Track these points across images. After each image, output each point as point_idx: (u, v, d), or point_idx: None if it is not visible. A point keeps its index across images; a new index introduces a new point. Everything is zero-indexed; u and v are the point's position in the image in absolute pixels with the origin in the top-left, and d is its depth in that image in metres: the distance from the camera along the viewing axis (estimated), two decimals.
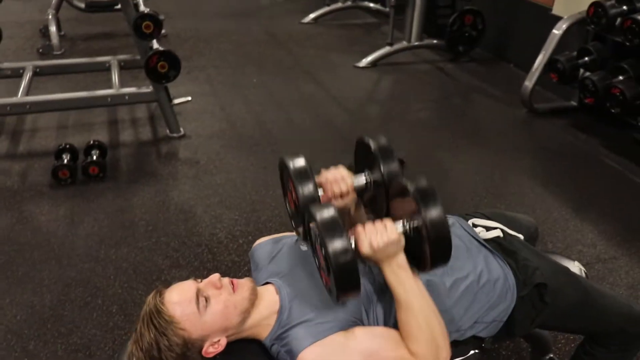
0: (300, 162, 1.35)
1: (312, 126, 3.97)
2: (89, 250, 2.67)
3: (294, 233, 1.59)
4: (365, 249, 1.23)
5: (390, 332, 1.31)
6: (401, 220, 1.28)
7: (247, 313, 1.33)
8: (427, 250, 1.22)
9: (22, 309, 2.32)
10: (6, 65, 4.12)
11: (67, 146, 3.32)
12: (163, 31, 5.57)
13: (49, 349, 2.13)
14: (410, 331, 1.27)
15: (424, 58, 5.39)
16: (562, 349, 2.11)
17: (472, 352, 1.57)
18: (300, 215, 1.33)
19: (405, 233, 1.27)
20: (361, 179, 1.43)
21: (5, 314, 2.30)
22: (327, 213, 1.20)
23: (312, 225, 1.25)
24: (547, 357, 1.91)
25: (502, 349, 2.13)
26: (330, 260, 1.15)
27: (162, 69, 3.44)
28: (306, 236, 1.34)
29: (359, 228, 1.26)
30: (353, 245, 1.22)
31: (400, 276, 1.26)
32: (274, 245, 1.56)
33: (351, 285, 1.19)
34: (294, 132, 3.85)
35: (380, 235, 1.23)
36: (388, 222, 1.26)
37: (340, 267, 1.16)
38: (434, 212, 1.20)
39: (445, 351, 1.27)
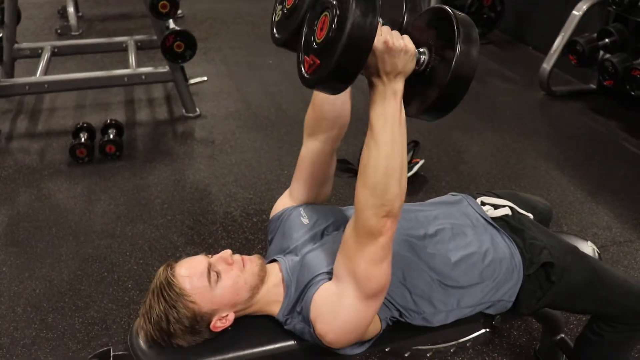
0: None
1: None
2: (105, 227, 2.71)
3: (285, 203, 1.59)
4: (377, 42, 1.06)
5: (347, 243, 1.23)
6: (419, 49, 1.14)
7: (256, 289, 1.34)
8: (432, 93, 1.12)
9: (41, 283, 2.37)
10: (25, 45, 4.17)
11: (85, 125, 3.36)
12: (180, 12, 5.61)
13: (66, 322, 2.18)
14: (364, 171, 1.14)
15: None
16: (573, 330, 2.11)
17: (482, 330, 1.57)
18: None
19: (418, 62, 1.14)
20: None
21: (25, 287, 2.35)
22: None
23: None
24: (558, 338, 1.91)
25: (513, 329, 2.13)
26: (347, 25, 0.97)
27: (178, 49, 3.45)
28: (291, 21, 1.18)
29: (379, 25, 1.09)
30: None
31: (389, 104, 1.12)
32: (280, 221, 1.57)
33: (353, 64, 1.02)
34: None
35: (397, 39, 1.09)
36: (406, 36, 1.12)
37: (357, 36, 0.98)
38: (473, 48, 1.08)
39: (388, 208, 1.13)
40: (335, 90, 1.13)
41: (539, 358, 2.02)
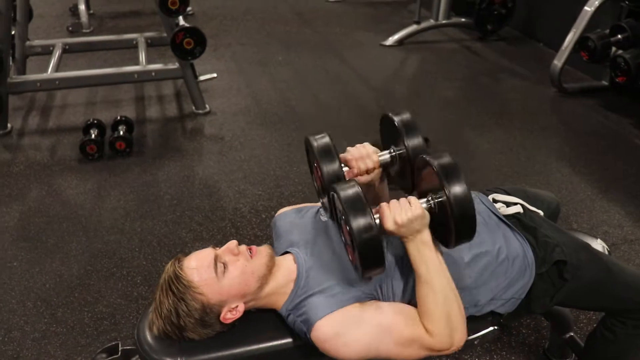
0: (323, 140, 1.36)
1: (337, 104, 3.96)
2: (115, 223, 2.72)
3: (315, 204, 1.60)
4: (389, 224, 1.23)
5: (407, 308, 1.32)
6: (427, 196, 1.28)
7: (264, 279, 1.34)
8: (452, 227, 1.22)
9: (51, 278, 2.39)
10: (37, 42, 4.20)
11: (95, 122, 3.38)
12: (189, 9, 5.62)
13: (76, 317, 2.19)
14: (428, 308, 1.27)
15: (452, 37, 5.32)
16: (583, 329, 2.09)
17: (491, 328, 1.56)
18: (325, 192, 1.35)
19: (430, 208, 1.27)
20: (386, 156, 1.44)
21: (35, 282, 2.36)
22: (350, 190, 1.21)
23: (336, 202, 1.26)
24: (568, 336, 1.89)
25: (522, 327, 2.12)
26: (354, 237, 1.17)
27: (188, 46, 3.46)
28: (332, 214, 1.36)
29: (384, 204, 1.26)
30: (377, 222, 1.23)
31: (424, 253, 1.26)
32: (295, 216, 1.56)
33: (375, 262, 1.21)
34: (319, 110, 3.85)
35: (405, 211, 1.23)
36: (412, 198, 1.26)
37: (364, 244, 1.17)
38: (457, 189, 1.20)
39: (461, 333, 1.28)
40: (378, 273, 1.27)
41: (548, 356, 2.00)
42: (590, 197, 2.91)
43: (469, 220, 1.22)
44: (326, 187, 1.33)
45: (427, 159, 1.27)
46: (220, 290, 1.29)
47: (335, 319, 1.27)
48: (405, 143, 1.37)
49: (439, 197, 1.24)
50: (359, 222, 1.16)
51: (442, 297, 1.26)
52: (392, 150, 1.43)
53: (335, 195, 1.24)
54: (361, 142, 1.46)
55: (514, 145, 3.43)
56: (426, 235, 1.27)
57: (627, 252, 2.52)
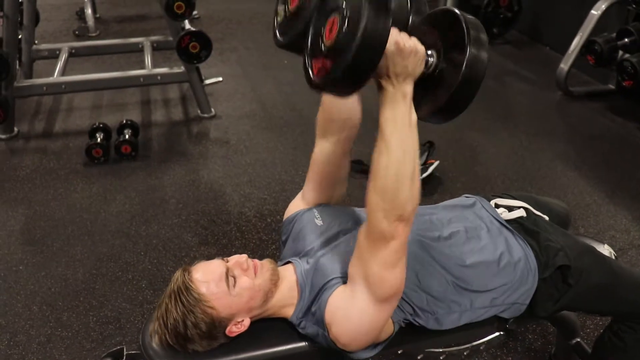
0: None
1: None
2: (120, 227, 2.73)
3: (307, 207, 1.58)
4: (389, 43, 1.03)
5: (361, 245, 1.22)
6: (427, 51, 1.13)
7: (270, 293, 1.34)
8: (442, 95, 1.11)
9: (56, 282, 2.39)
10: (43, 46, 4.22)
11: (101, 125, 3.39)
12: (195, 13, 5.64)
13: (81, 321, 2.19)
14: (375, 175, 1.13)
15: None
16: (590, 334, 2.08)
17: (497, 333, 1.56)
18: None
19: (426, 64, 1.13)
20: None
21: (40, 286, 2.37)
22: None
23: None
24: (574, 342, 1.88)
25: (529, 333, 2.11)
26: (360, 27, 0.96)
27: (193, 50, 3.47)
28: (294, 26, 1.17)
29: None
30: None
31: (399, 107, 1.10)
32: (293, 223, 1.56)
33: (364, 69, 1.00)
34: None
35: (407, 40, 1.09)
36: (414, 38, 1.11)
37: (370, 37, 0.96)
38: (482, 52, 1.07)
39: (399, 212, 1.12)
40: (345, 94, 1.14)
41: None
42: (596, 201, 2.90)
43: (472, 89, 1.10)
44: None
45: (451, 9, 1.14)
46: (230, 305, 1.28)
47: (334, 298, 1.27)
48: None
49: (453, 54, 1.11)
50: (377, 13, 0.96)
51: (395, 169, 1.10)
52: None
53: None
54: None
55: (520, 149, 3.42)
56: (409, 87, 1.11)
57: (634, 257, 2.50)
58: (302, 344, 1.36)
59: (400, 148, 1.11)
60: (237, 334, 1.32)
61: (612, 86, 4.07)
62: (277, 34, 1.23)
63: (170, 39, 3.74)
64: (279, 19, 1.25)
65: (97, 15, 5.80)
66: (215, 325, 1.29)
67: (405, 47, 1.07)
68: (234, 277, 1.30)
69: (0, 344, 2.09)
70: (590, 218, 2.77)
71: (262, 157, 3.33)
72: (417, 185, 1.13)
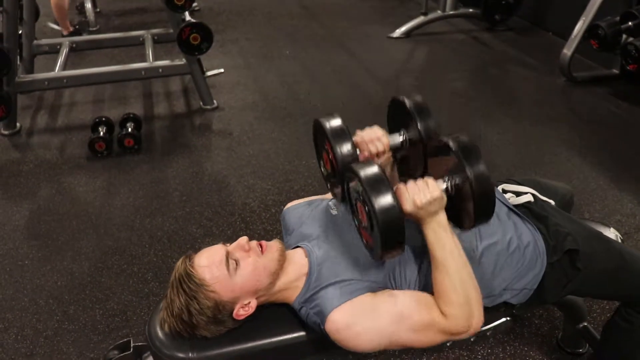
0: (336, 121, 1.33)
1: (345, 97, 3.94)
2: (125, 220, 2.73)
3: (324, 196, 1.59)
4: (408, 206, 1.22)
5: (422, 295, 1.31)
6: (442, 179, 1.27)
7: (276, 275, 1.34)
8: (470, 207, 1.21)
9: (62, 276, 2.39)
10: (44, 41, 4.21)
11: (103, 119, 3.39)
12: (195, 5, 5.62)
13: (87, 314, 2.20)
14: (444, 292, 1.26)
15: (459, 27, 5.28)
16: (596, 319, 2.07)
17: (503, 319, 1.55)
18: (338, 175, 1.31)
19: (446, 191, 1.26)
20: (397, 138, 1.41)
21: (47, 280, 2.37)
22: (371, 170, 1.19)
23: (352, 184, 1.24)
24: (581, 326, 1.88)
25: (535, 318, 2.10)
26: (376, 216, 1.14)
27: (194, 41, 3.45)
28: (344, 197, 1.33)
29: (401, 186, 1.25)
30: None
31: (440, 235, 1.25)
32: (304, 209, 1.56)
33: (396, 242, 1.19)
34: (327, 103, 3.83)
35: (424, 193, 1.22)
36: (430, 179, 1.25)
37: (387, 223, 1.15)
38: (478, 168, 1.18)
39: (477, 317, 1.27)
40: (397, 255, 1.25)
41: (561, 347, 1.99)
42: (602, 186, 2.88)
43: (489, 199, 1.21)
44: (339, 170, 1.30)
45: (445, 139, 1.25)
46: (232, 288, 1.28)
47: (348, 309, 1.26)
48: (419, 125, 1.33)
49: (458, 178, 1.23)
50: (381, 201, 1.14)
51: (459, 280, 1.25)
52: (401, 133, 1.40)
53: (353, 175, 1.22)
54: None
55: (524, 136, 3.41)
56: (443, 217, 1.26)
57: None
58: (304, 332, 1.37)
59: (455, 263, 1.26)
60: (245, 316, 1.32)
61: (616, 71, 4.03)
62: (329, 186, 1.45)
63: (171, 31, 3.72)
64: (324, 170, 1.46)
65: (97, 9, 5.80)
66: (220, 310, 1.29)
67: (423, 203, 1.22)
68: (236, 260, 1.30)
69: (8, 338, 2.10)
70: (595, 203, 2.76)
71: (265, 148, 3.32)
72: (476, 282, 1.29)
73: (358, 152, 1.36)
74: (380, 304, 1.27)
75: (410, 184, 1.25)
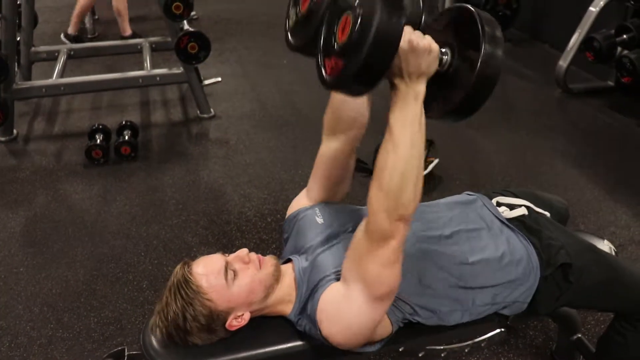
0: None
1: None
2: (120, 228, 2.73)
3: (309, 204, 1.58)
4: (402, 41, 1.03)
5: (350, 249, 1.24)
6: (441, 49, 1.11)
7: (271, 289, 1.35)
8: (457, 95, 1.10)
9: (57, 283, 2.39)
10: (42, 48, 4.22)
11: (100, 127, 3.39)
12: (194, 13, 5.64)
13: (82, 322, 2.19)
14: (379, 170, 1.13)
15: None
16: (591, 330, 2.08)
17: (498, 330, 1.56)
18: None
19: (440, 62, 1.11)
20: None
21: (41, 287, 2.37)
22: None
23: None
24: (575, 338, 1.88)
25: (529, 329, 2.11)
26: (373, 25, 0.95)
27: (192, 50, 3.47)
28: (307, 30, 1.16)
29: None
30: None
31: (410, 107, 1.10)
32: (295, 221, 1.56)
33: (378, 66, 1.00)
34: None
35: (421, 38, 1.07)
36: (428, 37, 1.09)
37: (383, 33, 0.95)
38: (498, 49, 1.05)
39: (401, 212, 1.12)
40: (358, 93, 1.13)
41: (555, 358, 1.99)
42: (597, 197, 2.90)
43: (488, 88, 1.09)
44: None
45: (465, 5, 1.12)
46: (229, 298, 1.29)
47: (326, 306, 1.26)
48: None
49: (462, 55, 1.10)
50: (390, 11, 0.95)
51: (401, 168, 1.10)
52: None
53: None
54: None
55: (520, 146, 3.42)
56: (422, 86, 1.10)
57: (634, 253, 2.50)
58: (301, 342, 1.36)
59: (408, 149, 1.10)
60: (237, 328, 1.32)
61: (611, 83, 4.06)
62: (290, 37, 1.23)
63: (169, 39, 3.74)
64: (290, 22, 1.25)
65: (96, 17, 5.81)
66: (214, 318, 1.29)
67: (419, 45, 1.06)
68: (234, 271, 1.31)
69: (2, 346, 2.09)
70: (590, 214, 2.77)
71: (262, 157, 3.33)
72: (420, 186, 1.14)
73: None
74: (342, 283, 1.25)
75: (409, 27, 1.07)
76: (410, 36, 1.06)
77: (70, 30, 5.09)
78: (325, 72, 1.09)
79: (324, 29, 1.12)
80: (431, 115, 1.13)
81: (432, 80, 1.11)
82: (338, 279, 1.28)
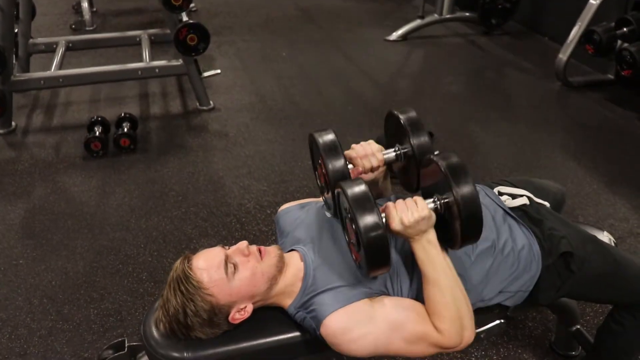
0: (329, 137, 1.34)
1: (341, 100, 3.94)
2: (120, 220, 2.72)
3: (317, 199, 1.59)
4: (395, 225, 1.23)
5: (417, 305, 1.31)
6: (433, 197, 1.27)
7: (274, 280, 1.34)
8: (457, 228, 1.22)
9: (56, 275, 2.39)
10: (40, 40, 4.20)
11: (99, 119, 3.38)
12: (193, 5, 5.63)
13: (82, 313, 2.19)
14: (436, 308, 1.27)
15: (456, 31, 5.30)
16: (589, 322, 2.08)
17: (497, 321, 1.56)
18: (330, 190, 1.33)
19: (436, 209, 1.26)
20: (391, 154, 1.42)
21: (41, 279, 2.37)
22: (358, 189, 1.20)
23: (342, 200, 1.25)
24: (574, 329, 1.89)
25: (529, 321, 2.11)
26: (361, 235, 1.16)
27: (191, 42, 3.46)
28: (336, 212, 1.35)
29: (390, 204, 1.26)
30: (384, 221, 1.22)
31: (430, 253, 1.26)
32: (299, 212, 1.56)
33: (382, 261, 1.20)
34: (323, 106, 3.84)
35: (411, 212, 1.23)
36: (418, 198, 1.26)
37: (372, 243, 1.16)
38: (465, 190, 1.19)
39: (469, 331, 1.28)
40: (383, 272, 1.26)
41: (554, 349, 2.00)
42: (595, 190, 2.90)
43: (475, 222, 1.22)
44: (331, 185, 1.31)
45: (434, 158, 1.26)
46: (230, 292, 1.28)
47: (344, 314, 1.26)
48: (411, 142, 1.35)
49: (446, 198, 1.24)
50: (366, 221, 1.15)
51: (450, 297, 1.26)
52: (397, 148, 1.41)
53: (341, 192, 1.23)
54: (366, 138, 1.45)
55: (519, 140, 3.42)
56: (432, 235, 1.27)
57: (633, 245, 2.51)
58: (302, 332, 1.37)
59: (446, 280, 1.27)
60: (240, 320, 1.32)
61: (611, 76, 4.06)
62: (323, 198, 1.47)
63: (168, 31, 3.72)
64: (319, 182, 1.46)
65: (94, 9, 5.79)
66: (216, 313, 1.29)
67: (411, 222, 1.22)
68: (235, 265, 1.30)
69: (2, 338, 2.09)
70: (589, 207, 2.77)
71: (261, 149, 3.33)
72: (468, 299, 1.30)
73: (352, 167, 1.38)
74: (376, 311, 1.27)
75: (399, 202, 1.25)
76: (401, 217, 1.23)
77: None
78: (356, 261, 1.29)
79: (340, 223, 1.35)
80: (454, 248, 1.29)
81: (438, 220, 1.27)
82: (364, 295, 1.30)
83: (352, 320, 1.26)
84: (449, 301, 1.25)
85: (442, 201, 1.25)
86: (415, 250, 1.28)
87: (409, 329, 1.26)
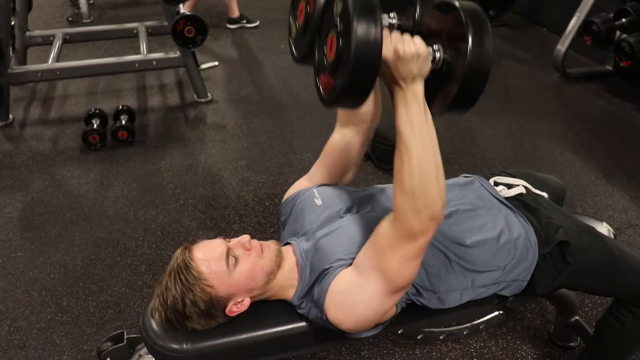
0: None
1: None
2: (118, 212, 2.72)
3: (307, 185, 1.58)
4: (387, 52, 1.06)
5: (379, 239, 1.21)
6: (431, 46, 1.12)
7: (272, 274, 1.34)
8: (453, 88, 1.10)
9: (55, 268, 2.39)
10: (37, 33, 4.18)
11: (97, 111, 3.37)
12: None
13: (80, 306, 2.20)
14: (399, 175, 1.13)
15: None
16: (588, 313, 2.09)
17: (496, 313, 1.57)
18: (314, 19, 1.16)
19: (432, 61, 1.11)
20: (385, 19, 1.16)
21: (40, 272, 2.37)
22: None
23: (335, 9, 1.07)
24: (573, 320, 1.89)
25: (527, 312, 2.12)
26: (352, 45, 0.97)
27: (188, 34, 3.44)
28: (306, 55, 1.19)
29: (385, 31, 1.08)
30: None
31: (412, 109, 1.11)
32: (293, 203, 1.56)
33: (363, 87, 1.03)
34: None
35: (407, 44, 1.07)
36: (417, 37, 1.10)
37: (363, 56, 0.98)
38: (485, 40, 1.05)
39: (431, 211, 1.12)
40: (354, 106, 1.14)
41: (553, 340, 2.01)
42: (594, 182, 2.90)
43: (481, 82, 1.09)
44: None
45: (449, 1, 1.12)
46: (229, 284, 1.28)
47: (337, 291, 1.24)
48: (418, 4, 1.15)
49: (452, 49, 1.10)
50: (365, 30, 0.97)
51: (418, 166, 1.11)
52: (391, 16, 1.16)
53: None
54: None
55: (517, 131, 3.42)
56: (419, 87, 1.11)
57: (631, 236, 2.51)
58: (302, 324, 1.37)
59: (419, 147, 1.11)
60: (236, 313, 1.32)
61: (609, 67, 4.05)
62: (293, 50, 1.26)
63: (165, 23, 3.71)
64: (292, 34, 1.27)
65: (91, 1, 5.76)
66: (214, 304, 1.28)
67: (406, 52, 1.07)
68: (236, 257, 1.30)
69: (1, 330, 2.09)
70: (588, 198, 2.77)
71: (259, 141, 3.32)
72: (443, 180, 1.14)
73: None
74: (356, 271, 1.24)
75: (395, 33, 1.09)
76: (396, 45, 1.07)
77: (233, 14, 5.16)
78: (322, 90, 1.12)
79: (316, 46, 1.15)
80: (433, 111, 1.14)
81: (429, 76, 1.12)
82: (347, 265, 1.27)
83: (346, 292, 1.24)
84: (415, 171, 1.10)
85: (444, 53, 1.11)
86: (396, 102, 1.12)
87: (391, 261, 1.18)
